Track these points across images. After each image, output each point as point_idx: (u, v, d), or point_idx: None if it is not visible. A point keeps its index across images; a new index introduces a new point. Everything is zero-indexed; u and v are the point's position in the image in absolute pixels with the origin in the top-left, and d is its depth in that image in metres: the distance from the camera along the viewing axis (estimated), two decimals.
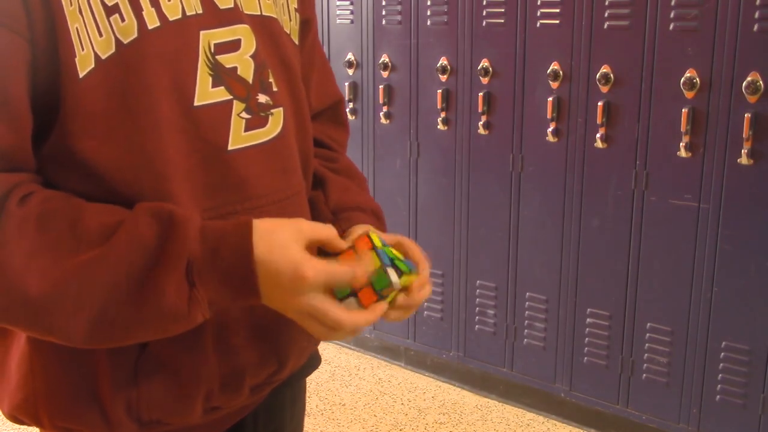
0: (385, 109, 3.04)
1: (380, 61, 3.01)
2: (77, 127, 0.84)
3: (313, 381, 3.15)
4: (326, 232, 0.90)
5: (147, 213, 0.85)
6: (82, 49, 0.84)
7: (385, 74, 3.01)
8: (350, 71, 3.12)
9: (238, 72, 0.95)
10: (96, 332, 0.83)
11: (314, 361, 1.24)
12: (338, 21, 3.13)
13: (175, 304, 0.83)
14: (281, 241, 0.85)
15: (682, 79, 2.31)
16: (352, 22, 3.08)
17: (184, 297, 0.83)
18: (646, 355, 2.55)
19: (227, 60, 0.94)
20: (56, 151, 0.86)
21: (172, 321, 0.84)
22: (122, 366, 0.92)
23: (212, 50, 0.93)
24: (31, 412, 0.96)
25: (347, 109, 3.13)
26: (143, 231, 0.83)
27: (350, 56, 3.11)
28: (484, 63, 2.72)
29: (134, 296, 0.82)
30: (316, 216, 1.12)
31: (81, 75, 0.83)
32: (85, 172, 0.86)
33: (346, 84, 3.13)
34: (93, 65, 0.84)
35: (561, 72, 2.54)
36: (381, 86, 3.02)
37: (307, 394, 3.03)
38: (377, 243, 0.92)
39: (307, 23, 1.14)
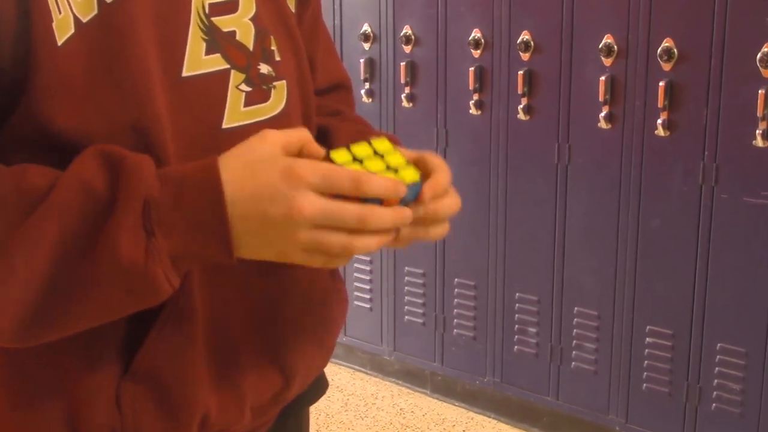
0: (407, 90, 3.06)
1: (402, 34, 3.03)
2: (57, 101, 0.85)
3: (322, 412, 3.18)
4: (298, 134, 0.89)
5: (94, 155, 0.85)
6: (60, 13, 0.85)
7: (407, 49, 3.04)
8: (366, 45, 3.15)
9: (237, 37, 0.97)
10: (47, 308, 0.83)
11: (321, 386, 1.26)
12: None
13: (129, 255, 0.82)
14: (254, 164, 0.84)
15: (759, 55, 2.32)
16: None
17: (141, 247, 0.82)
18: (715, 381, 2.56)
19: (224, 23, 0.96)
20: (28, 131, 0.87)
21: (128, 280, 0.83)
22: (102, 390, 0.93)
23: (206, 11, 0.94)
24: None
25: (362, 90, 3.16)
26: (91, 176, 0.84)
27: (366, 28, 3.13)
28: (525, 36, 2.74)
29: (84, 252, 0.82)
30: None
31: (60, 42, 0.85)
32: (66, 153, 0.87)
33: (362, 61, 3.16)
34: (73, 30, 0.86)
35: (615, 46, 2.56)
36: (402, 63, 3.04)
37: (316, 428, 3.06)
38: (379, 148, 0.90)
39: None
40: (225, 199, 0.83)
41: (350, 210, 0.84)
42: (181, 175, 0.85)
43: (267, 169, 0.84)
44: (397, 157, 0.91)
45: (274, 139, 0.86)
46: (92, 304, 0.85)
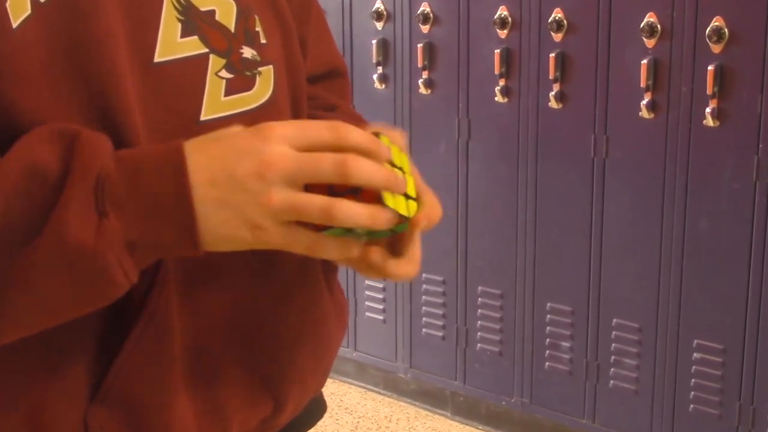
0: (425, 74, 3.07)
1: (419, 11, 3.04)
2: (15, 93, 0.85)
3: None
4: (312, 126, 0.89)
5: (47, 129, 0.84)
6: None
7: (425, 28, 3.05)
8: (379, 25, 3.16)
9: (217, 17, 0.97)
10: None
11: (318, 409, 1.26)
12: None
13: (77, 236, 0.80)
14: (227, 133, 0.87)
15: None
16: None
17: (91, 228, 0.81)
18: None
19: (202, 1, 0.96)
20: None
21: (75, 264, 0.82)
22: (68, 416, 0.93)
23: None
24: None
25: (375, 75, 3.18)
26: (39, 149, 0.83)
27: (379, 5, 3.14)
28: (557, 14, 2.75)
29: (27, 235, 0.81)
30: None
31: (15, 24, 0.84)
32: None
33: (374, 42, 3.17)
34: (29, 11, 0.85)
35: (659, 26, 2.57)
36: (420, 44, 3.05)
37: None
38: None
39: None
40: (189, 180, 0.83)
41: (327, 158, 0.85)
42: (141, 153, 0.86)
43: (234, 133, 0.86)
44: (411, 183, 0.94)
45: (281, 132, 0.86)
46: (35, 293, 0.83)
